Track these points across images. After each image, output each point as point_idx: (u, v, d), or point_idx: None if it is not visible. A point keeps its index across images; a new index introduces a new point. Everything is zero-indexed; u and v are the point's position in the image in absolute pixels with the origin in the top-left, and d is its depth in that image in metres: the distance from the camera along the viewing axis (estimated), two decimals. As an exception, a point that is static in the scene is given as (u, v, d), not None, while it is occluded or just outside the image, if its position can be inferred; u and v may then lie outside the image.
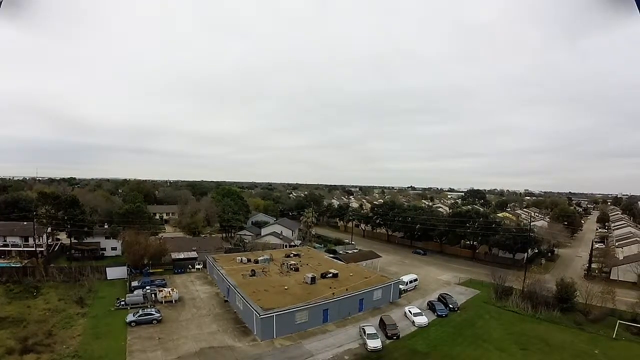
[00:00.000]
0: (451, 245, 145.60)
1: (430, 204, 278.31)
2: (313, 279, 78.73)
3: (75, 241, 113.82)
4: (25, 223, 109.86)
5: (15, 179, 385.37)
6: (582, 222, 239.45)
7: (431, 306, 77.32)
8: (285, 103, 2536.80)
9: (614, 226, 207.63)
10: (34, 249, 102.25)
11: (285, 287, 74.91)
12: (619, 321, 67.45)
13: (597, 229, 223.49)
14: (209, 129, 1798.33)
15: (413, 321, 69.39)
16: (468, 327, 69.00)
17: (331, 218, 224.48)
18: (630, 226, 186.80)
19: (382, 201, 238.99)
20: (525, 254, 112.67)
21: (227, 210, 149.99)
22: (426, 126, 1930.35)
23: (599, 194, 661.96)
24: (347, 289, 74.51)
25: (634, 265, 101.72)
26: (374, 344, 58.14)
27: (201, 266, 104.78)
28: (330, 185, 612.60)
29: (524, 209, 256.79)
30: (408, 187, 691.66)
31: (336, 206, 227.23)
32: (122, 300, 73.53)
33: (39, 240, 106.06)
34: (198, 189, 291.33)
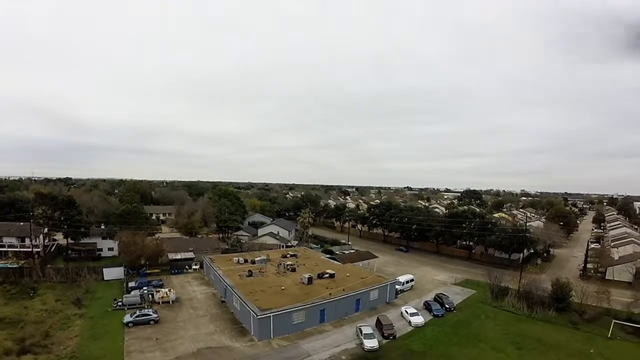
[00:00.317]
0: (447, 246, 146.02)
1: (427, 204, 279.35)
2: (310, 280, 78.87)
3: (72, 242, 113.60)
4: (21, 223, 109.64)
5: (11, 178, 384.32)
6: (578, 222, 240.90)
7: (427, 306, 77.68)
8: (284, 103, 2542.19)
9: (610, 226, 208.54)
10: (30, 249, 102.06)
11: (282, 288, 75.03)
12: (614, 321, 67.79)
13: (592, 229, 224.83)
14: (205, 129, 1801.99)
15: (409, 321, 69.66)
16: (464, 327, 69.34)
17: (328, 218, 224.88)
18: (626, 226, 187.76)
19: (378, 201, 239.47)
20: (521, 254, 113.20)
21: (223, 211, 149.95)
22: (424, 126, 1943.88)
23: (595, 195, 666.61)
24: (343, 290, 74.74)
25: (629, 265, 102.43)
26: (371, 343, 58.36)
27: (198, 267, 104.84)
28: (327, 186, 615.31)
29: (520, 210, 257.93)
30: (405, 188, 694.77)
31: (333, 207, 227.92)
32: (120, 301, 73.55)
33: (36, 241, 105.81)
34: (194, 189, 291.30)
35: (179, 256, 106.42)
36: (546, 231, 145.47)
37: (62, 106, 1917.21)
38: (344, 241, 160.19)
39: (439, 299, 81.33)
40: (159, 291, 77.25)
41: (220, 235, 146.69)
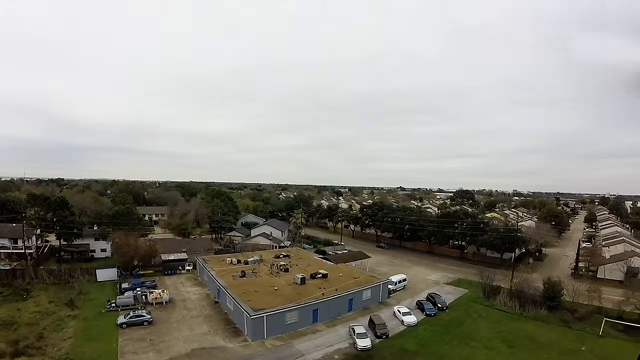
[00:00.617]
0: (440, 246, 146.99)
1: (419, 204, 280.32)
2: (303, 280, 79.18)
3: (65, 243, 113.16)
4: (14, 225, 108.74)
5: (2, 179, 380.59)
6: (570, 222, 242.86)
7: (420, 305, 78.25)
8: (278, 103, 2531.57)
9: (601, 226, 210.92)
10: (23, 251, 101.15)
11: (275, 288, 75.25)
12: (605, 319, 68.79)
13: (584, 229, 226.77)
14: (199, 129, 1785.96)
15: (402, 320, 70.19)
16: (456, 326, 69.96)
17: (321, 219, 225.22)
18: (617, 226, 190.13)
19: (371, 202, 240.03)
20: (513, 253, 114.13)
21: (216, 212, 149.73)
22: (418, 127, 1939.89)
23: (587, 195, 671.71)
24: (336, 290, 75.12)
25: (620, 263, 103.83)
26: (364, 343, 58.75)
27: (191, 267, 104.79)
28: (320, 186, 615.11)
29: (512, 209, 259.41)
30: (397, 188, 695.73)
31: (325, 207, 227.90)
32: (113, 302, 73.39)
33: (28, 242, 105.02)
34: (187, 189, 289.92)
35: (172, 257, 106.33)
36: (538, 231, 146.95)
37: (55, 106, 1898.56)
38: (336, 241, 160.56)
39: (431, 298, 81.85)
40: (152, 292, 77.12)
41: (213, 236, 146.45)
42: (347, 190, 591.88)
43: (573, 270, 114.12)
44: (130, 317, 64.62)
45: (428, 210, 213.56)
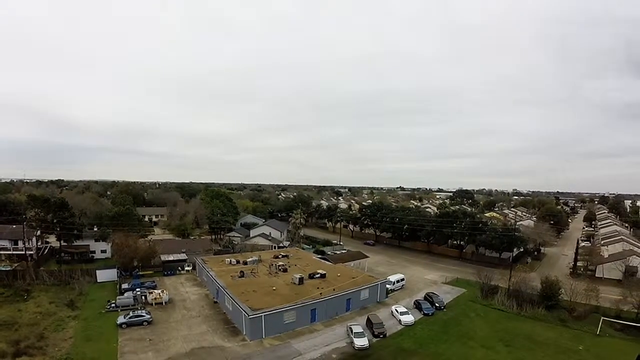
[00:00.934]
0: (438, 245, 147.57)
1: (419, 204, 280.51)
2: (301, 280, 79.52)
3: (65, 244, 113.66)
4: (14, 226, 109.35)
5: (2, 181, 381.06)
6: (569, 221, 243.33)
7: (418, 305, 78.49)
8: (276, 104, 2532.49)
9: (600, 225, 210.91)
10: (23, 252, 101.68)
11: (274, 288, 75.62)
12: (602, 318, 68.95)
13: (583, 228, 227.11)
14: (197, 130, 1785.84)
15: (400, 320, 70.55)
16: (454, 325, 70.32)
17: (320, 219, 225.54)
18: (616, 225, 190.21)
19: (370, 202, 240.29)
20: (511, 253, 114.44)
21: (216, 212, 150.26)
22: (418, 127, 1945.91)
23: (587, 194, 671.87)
24: (334, 289, 75.49)
25: (619, 263, 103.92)
26: (361, 342, 59.14)
27: (190, 268, 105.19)
28: (320, 186, 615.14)
29: (512, 209, 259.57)
30: (397, 188, 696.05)
31: (325, 207, 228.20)
32: (113, 303, 73.80)
33: (29, 244, 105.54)
34: (187, 190, 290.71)
35: (171, 258, 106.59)
36: (536, 230, 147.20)
37: (54, 106, 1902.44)
38: (335, 242, 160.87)
39: (429, 297, 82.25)
40: (152, 292, 77.52)
41: (213, 237, 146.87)
42: (346, 190, 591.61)
43: (571, 270, 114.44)
44: (130, 317, 65.04)
45: (427, 210, 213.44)
